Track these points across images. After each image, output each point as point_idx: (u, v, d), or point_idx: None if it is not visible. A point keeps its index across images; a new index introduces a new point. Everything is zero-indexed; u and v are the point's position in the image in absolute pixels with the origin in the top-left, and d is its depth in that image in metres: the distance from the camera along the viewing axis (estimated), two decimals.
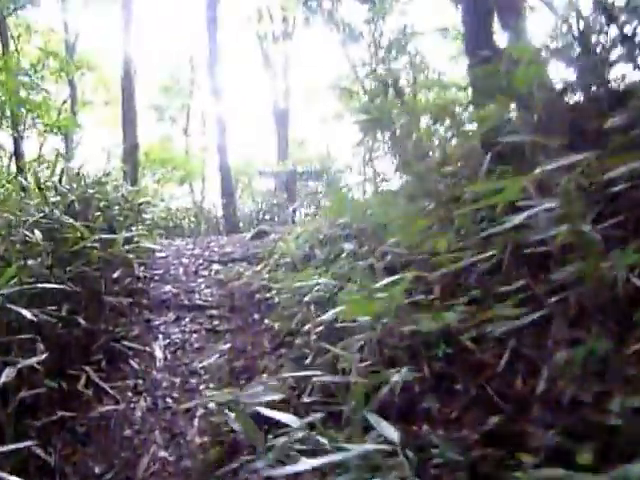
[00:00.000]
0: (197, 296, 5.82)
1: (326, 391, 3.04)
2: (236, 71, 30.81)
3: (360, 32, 15.54)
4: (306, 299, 3.89)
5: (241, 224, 12.92)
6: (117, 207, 6.25)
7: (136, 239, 5.61)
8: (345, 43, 15.50)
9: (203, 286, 6.11)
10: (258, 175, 13.29)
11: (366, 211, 4.82)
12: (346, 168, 19.21)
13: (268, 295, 5.29)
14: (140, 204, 6.76)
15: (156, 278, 6.23)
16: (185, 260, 7.04)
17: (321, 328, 3.50)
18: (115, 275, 4.80)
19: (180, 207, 14.15)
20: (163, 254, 7.16)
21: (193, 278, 6.41)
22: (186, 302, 5.62)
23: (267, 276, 5.52)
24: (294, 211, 12.32)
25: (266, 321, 4.82)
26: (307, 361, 3.58)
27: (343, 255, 4.34)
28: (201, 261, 7.00)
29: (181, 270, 6.63)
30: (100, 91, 20.50)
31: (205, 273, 6.61)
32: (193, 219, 12.93)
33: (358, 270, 3.53)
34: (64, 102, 18.45)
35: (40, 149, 16.90)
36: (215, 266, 6.81)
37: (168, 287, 5.99)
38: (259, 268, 6.03)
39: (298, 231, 6.47)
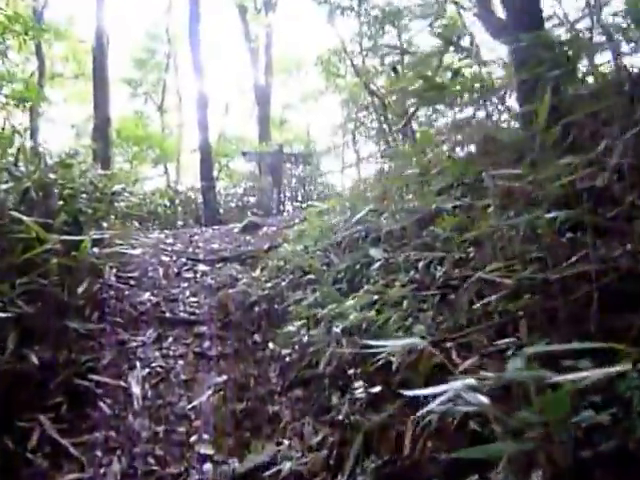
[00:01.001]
0: (181, 307, 4.86)
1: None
2: (216, 45, 29.28)
3: (350, 5, 14.51)
4: (337, 329, 2.96)
5: (221, 210, 11.87)
6: (85, 196, 5.22)
7: (108, 239, 4.59)
8: (332, 16, 14.41)
9: (188, 293, 5.15)
10: (241, 156, 12.16)
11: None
12: (329, 150, 18.29)
13: (270, 308, 4.38)
14: (113, 193, 5.72)
15: (132, 283, 5.23)
16: (165, 258, 6.04)
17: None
18: (81, 289, 3.78)
19: (155, 190, 12.98)
20: (139, 251, 6.14)
21: (176, 282, 5.43)
22: (168, 315, 4.66)
23: (269, 284, 4.57)
24: (279, 195, 11.32)
25: (271, 345, 3.90)
26: (340, 415, 2.70)
27: (375, 266, 3.42)
28: (184, 260, 6.01)
29: (161, 271, 5.64)
30: (70, 63, 18.94)
31: (189, 276, 5.64)
32: (168, 203, 11.80)
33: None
34: (31, 74, 16.91)
35: (4, 125, 15.42)
36: (201, 267, 5.84)
37: (146, 295, 5.00)
38: (257, 273, 5.08)
39: (302, 228, 5.54)
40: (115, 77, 21.20)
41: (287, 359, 3.56)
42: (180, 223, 10.82)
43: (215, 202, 11.77)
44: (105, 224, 5.39)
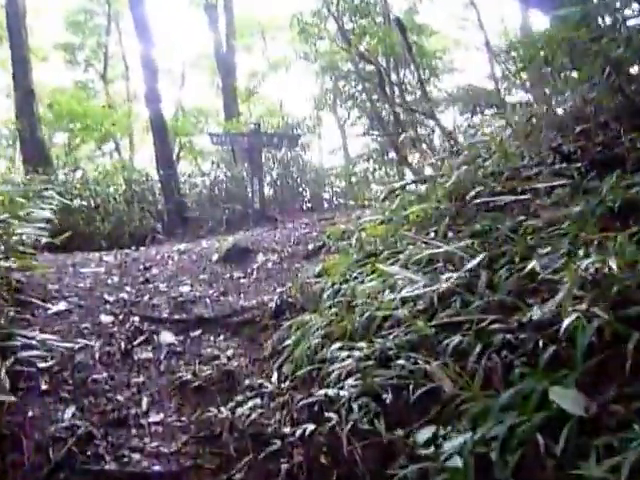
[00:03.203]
0: (134, 443, 2.59)
1: None
2: (165, 4, 25.83)
3: None
4: None
5: (187, 202, 9.41)
6: None
7: None
8: None
9: (146, 403, 2.87)
10: (208, 139, 9.67)
11: None
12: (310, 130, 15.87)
13: None
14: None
15: (43, 385, 2.92)
16: (106, 319, 3.70)
17: None
18: None
19: (103, 173, 10.33)
20: (62, 306, 3.77)
21: (123, 374, 3.13)
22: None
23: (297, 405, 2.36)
24: (261, 187, 8.94)
25: None
26: None
27: None
28: (137, 321, 3.69)
29: (96, 350, 3.32)
30: None
31: (147, 356, 3.34)
32: (119, 196, 9.22)
33: None
34: None
35: None
36: (166, 336, 3.55)
37: (67, 414, 2.71)
38: (275, 374, 2.86)
39: (333, 266, 3.33)
40: (48, 41, 18.10)
41: None
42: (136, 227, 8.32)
43: (179, 194, 9.31)
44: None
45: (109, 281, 4.25)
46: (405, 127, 14.83)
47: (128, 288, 4.15)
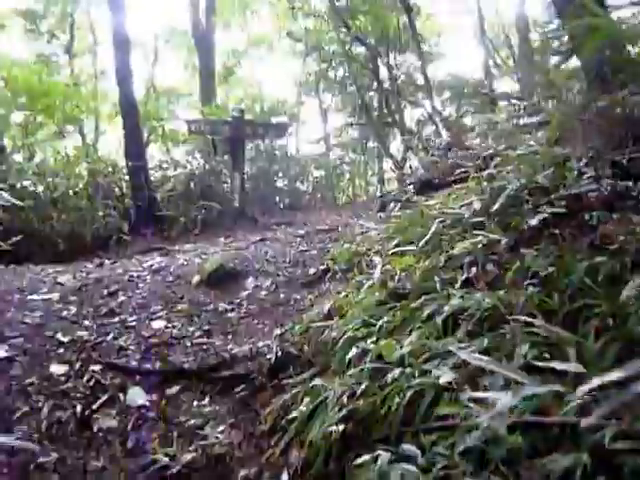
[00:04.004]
0: None
1: None
2: None
3: None
4: None
5: (160, 199, 8.52)
6: None
7: None
8: None
9: None
10: (187, 126, 8.73)
11: None
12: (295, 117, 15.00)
13: None
14: None
15: None
16: (56, 369, 2.93)
17: None
18: None
19: (59, 165, 9.29)
20: (1, 352, 2.97)
21: (77, 458, 2.39)
22: None
23: None
24: (242, 182, 8.15)
25: None
26: None
27: None
28: (97, 371, 2.93)
29: (44, 417, 2.56)
30: None
31: (111, 425, 2.61)
32: (81, 189, 8.26)
33: None
34: None
35: None
36: (135, 395, 2.83)
37: None
38: (284, 474, 2.16)
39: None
40: (7, 8, 16.62)
41: None
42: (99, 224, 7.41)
43: (149, 189, 8.40)
44: None
45: (64, 313, 3.44)
46: (394, 115, 14.19)
47: (88, 322, 3.37)
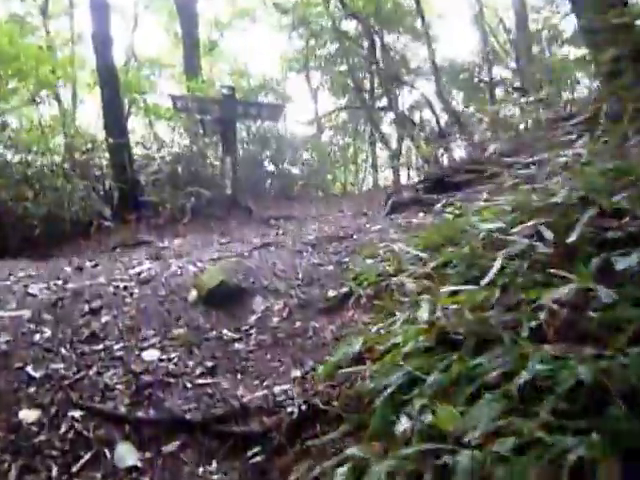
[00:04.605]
0: None
1: None
2: None
3: None
4: None
5: (142, 180, 7.85)
6: None
7: None
8: None
9: None
10: (172, 102, 8.04)
11: None
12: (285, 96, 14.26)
13: None
14: None
15: None
16: (26, 415, 2.40)
17: None
18: None
19: (33, 139, 8.51)
20: None
21: None
22: None
23: None
24: (233, 167, 7.54)
25: None
26: None
27: None
28: (77, 418, 2.40)
29: None
30: None
31: None
32: (57, 167, 7.54)
33: None
34: None
35: None
36: (124, 453, 2.32)
37: None
38: None
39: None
40: None
41: None
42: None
43: (133, 170, 7.73)
44: None
45: (37, 336, 2.88)
46: (390, 99, 13.64)
47: (65, 351, 2.81)
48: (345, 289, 3.17)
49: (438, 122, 11.37)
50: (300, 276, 3.56)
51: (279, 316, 3.11)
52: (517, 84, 12.64)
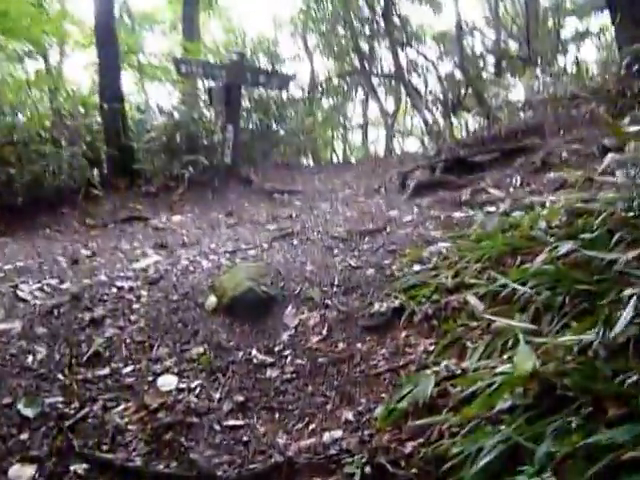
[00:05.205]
0: None
1: None
2: None
3: None
4: None
5: (135, 145, 7.23)
6: None
7: None
8: None
9: None
10: (174, 66, 7.36)
11: None
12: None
13: None
14: None
15: None
16: (19, 472, 1.92)
17: None
18: None
19: (19, 100, 7.79)
20: None
21: None
22: None
23: None
24: (236, 136, 6.96)
25: None
26: None
27: None
28: (81, 474, 1.92)
29: None
30: None
31: None
32: (45, 132, 6.88)
33: None
34: None
35: None
36: None
37: None
38: None
39: None
40: None
41: None
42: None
43: (126, 137, 7.11)
44: None
45: (29, 359, 2.38)
46: (399, 65, 12.99)
47: (63, 377, 2.32)
48: (393, 303, 2.69)
49: (444, 94, 10.77)
50: (335, 281, 3.07)
51: (317, 334, 2.63)
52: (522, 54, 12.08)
